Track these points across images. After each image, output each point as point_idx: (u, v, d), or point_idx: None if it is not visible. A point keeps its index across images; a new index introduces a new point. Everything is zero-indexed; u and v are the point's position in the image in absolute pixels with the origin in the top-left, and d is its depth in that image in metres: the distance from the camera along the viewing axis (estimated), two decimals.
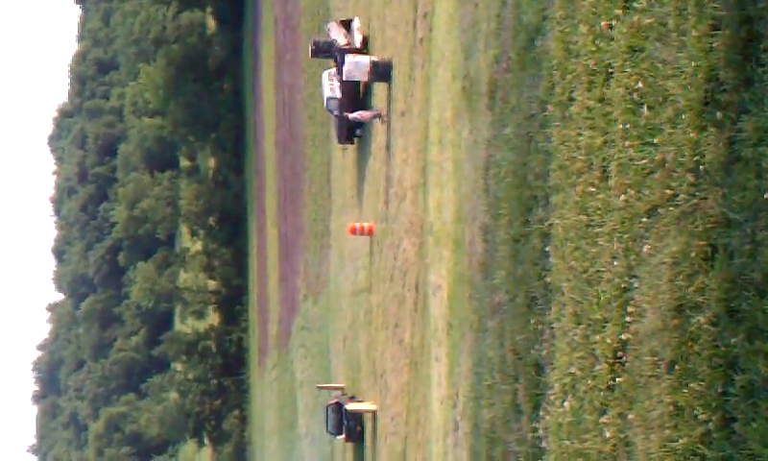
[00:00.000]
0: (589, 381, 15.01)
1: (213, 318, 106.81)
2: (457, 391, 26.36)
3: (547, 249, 17.64)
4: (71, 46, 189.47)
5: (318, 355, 58.57)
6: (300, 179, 67.95)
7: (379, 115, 40.14)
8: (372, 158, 43.27)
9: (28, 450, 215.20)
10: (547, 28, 18.53)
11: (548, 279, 17.43)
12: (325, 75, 45.53)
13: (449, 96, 29.75)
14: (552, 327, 17.07)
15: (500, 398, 20.35)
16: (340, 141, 47.51)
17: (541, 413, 17.24)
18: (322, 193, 58.11)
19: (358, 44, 43.60)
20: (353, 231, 43.36)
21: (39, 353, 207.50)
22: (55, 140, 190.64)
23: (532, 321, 18.23)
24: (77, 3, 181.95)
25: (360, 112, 41.88)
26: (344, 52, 42.76)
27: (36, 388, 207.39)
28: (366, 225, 42.52)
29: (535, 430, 17.56)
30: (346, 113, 43.68)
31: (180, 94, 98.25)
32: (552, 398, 16.68)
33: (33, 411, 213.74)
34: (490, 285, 22.12)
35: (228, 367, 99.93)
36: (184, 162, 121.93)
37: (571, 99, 16.87)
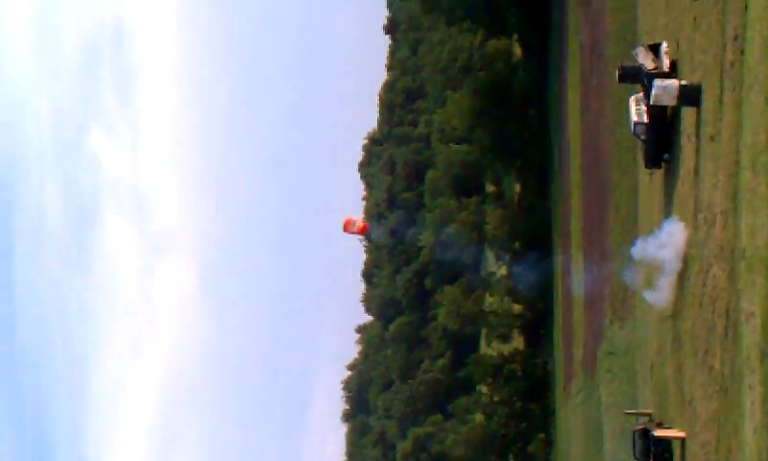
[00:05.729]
0: None
1: (518, 341, 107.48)
2: None
3: None
4: (380, 75, 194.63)
5: (624, 380, 58.17)
6: (605, 203, 67.69)
7: None
8: (679, 183, 42.83)
9: None
10: None
11: None
12: (632, 100, 45.37)
13: (763, 120, 29.31)
14: None
15: None
16: (647, 166, 47.22)
17: None
18: (628, 218, 57.78)
19: (666, 68, 43.25)
20: None
21: (349, 373, 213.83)
22: (365, 167, 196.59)
23: None
24: (386, 33, 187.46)
25: None
26: (651, 76, 42.53)
27: (347, 407, 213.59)
28: None
29: None
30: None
31: (486, 120, 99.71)
32: None
33: (342, 429, 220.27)
34: None
35: (533, 390, 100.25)
36: (490, 187, 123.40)
37: None
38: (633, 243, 49.18)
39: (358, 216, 43.48)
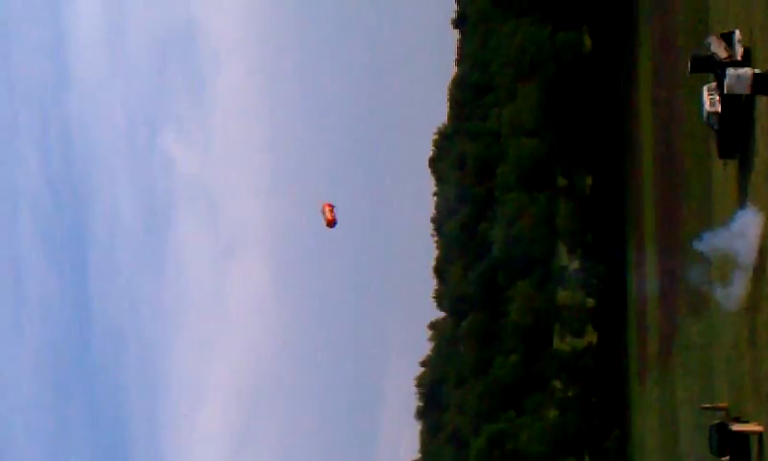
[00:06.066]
0: None
1: (592, 336, 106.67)
2: None
3: None
4: (449, 69, 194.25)
5: (700, 374, 57.49)
6: (678, 195, 66.96)
7: None
8: (754, 173, 42.25)
9: None
10: None
11: None
12: (705, 89, 44.84)
13: None
14: None
15: None
16: (721, 156, 46.68)
17: None
18: (702, 209, 57.06)
19: (739, 57, 42.66)
20: None
21: (422, 370, 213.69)
22: (435, 162, 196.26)
23: None
24: (455, 27, 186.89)
25: None
26: (724, 65, 41.99)
27: (420, 404, 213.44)
28: None
29: None
30: None
31: (556, 113, 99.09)
32: None
33: (415, 427, 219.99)
34: None
35: (607, 385, 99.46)
36: (561, 181, 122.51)
37: None
38: (705, 235, 48.63)
39: (330, 208, 44.36)
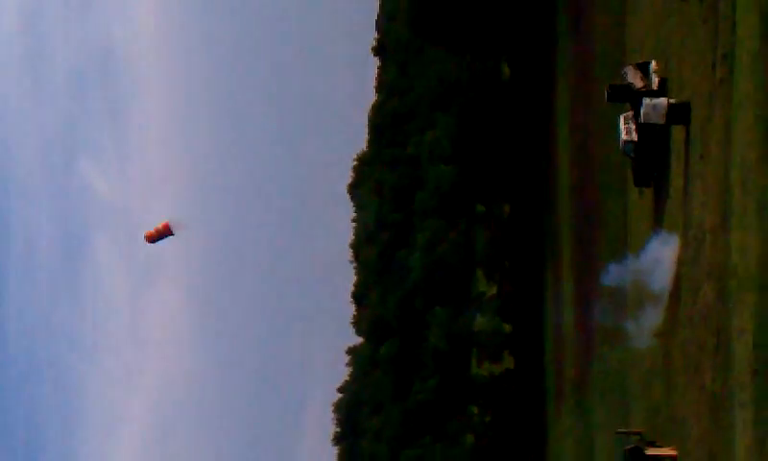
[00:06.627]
0: None
1: (509, 361, 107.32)
2: (764, 438, 25.89)
3: None
4: (370, 96, 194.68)
5: (616, 400, 58.08)
6: (594, 222, 67.73)
7: None
8: (669, 201, 42.86)
9: None
10: None
11: None
12: (621, 118, 45.43)
13: (752, 138, 29.33)
14: None
15: None
16: (637, 184, 47.29)
17: None
18: (617, 236, 57.77)
19: (655, 87, 43.34)
20: None
21: (339, 396, 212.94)
22: (355, 188, 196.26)
23: None
24: (375, 55, 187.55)
25: None
26: (640, 95, 42.62)
27: (337, 429, 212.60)
28: None
29: None
30: None
31: (474, 141, 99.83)
32: None
33: (332, 453, 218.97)
34: None
35: (524, 410, 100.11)
36: (479, 208, 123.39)
37: None
38: (622, 261, 49.17)
39: (160, 230, 44.83)
